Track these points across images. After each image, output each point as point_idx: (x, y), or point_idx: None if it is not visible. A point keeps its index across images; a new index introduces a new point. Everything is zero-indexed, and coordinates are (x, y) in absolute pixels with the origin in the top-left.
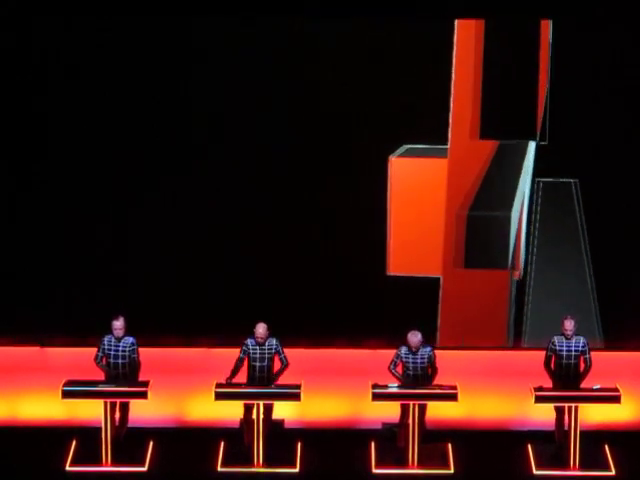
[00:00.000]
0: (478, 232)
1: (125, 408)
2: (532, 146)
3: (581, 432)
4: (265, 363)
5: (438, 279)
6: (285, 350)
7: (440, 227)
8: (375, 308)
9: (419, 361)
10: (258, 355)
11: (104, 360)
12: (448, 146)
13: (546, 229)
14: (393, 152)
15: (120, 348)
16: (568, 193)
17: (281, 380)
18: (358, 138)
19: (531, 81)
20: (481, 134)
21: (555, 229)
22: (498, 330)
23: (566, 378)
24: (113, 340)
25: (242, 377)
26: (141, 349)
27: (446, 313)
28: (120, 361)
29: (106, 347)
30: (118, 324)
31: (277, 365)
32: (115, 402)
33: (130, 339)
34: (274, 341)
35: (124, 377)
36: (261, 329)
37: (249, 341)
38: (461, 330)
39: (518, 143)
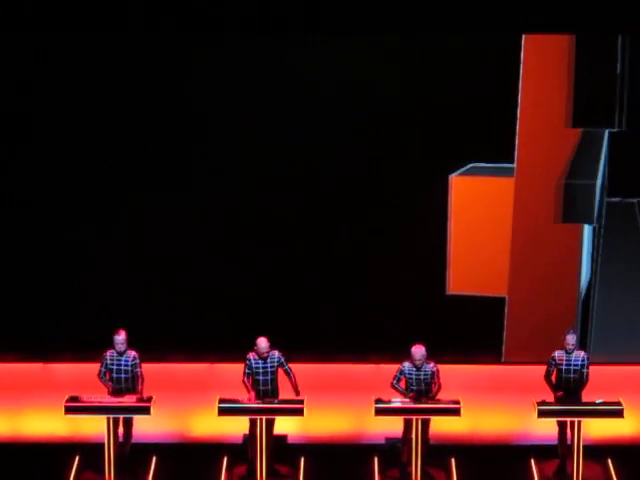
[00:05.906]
0: (572, 195)
1: (129, 423)
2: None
3: (584, 446)
4: (269, 377)
5: (495, 298)
6: (291, 365)
7: (503, 247)
8: (435, 327)
9: (422, 377)
10: (261, 370)
11: (107, 375)
12: (515, 164)
13: (610, 247)
14: (455, 170)
15: (122, 362)
16: (631, 213)
17: (284, 395)
18: (419, 155)
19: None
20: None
21: (619, 247)
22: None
23: (566, 392)
24: (115, 355)
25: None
26: (145, 365)
27: (512, 331)
28: (123, 375)
29: (108, 362)
30: (120, 338)
31: (281, 377)
32: (118, 418)
33: (132, 353)
34: (277, 354)
35: (127, 391)
36: (263, 344)
37: (251, 356)
38: (528, 345)
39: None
